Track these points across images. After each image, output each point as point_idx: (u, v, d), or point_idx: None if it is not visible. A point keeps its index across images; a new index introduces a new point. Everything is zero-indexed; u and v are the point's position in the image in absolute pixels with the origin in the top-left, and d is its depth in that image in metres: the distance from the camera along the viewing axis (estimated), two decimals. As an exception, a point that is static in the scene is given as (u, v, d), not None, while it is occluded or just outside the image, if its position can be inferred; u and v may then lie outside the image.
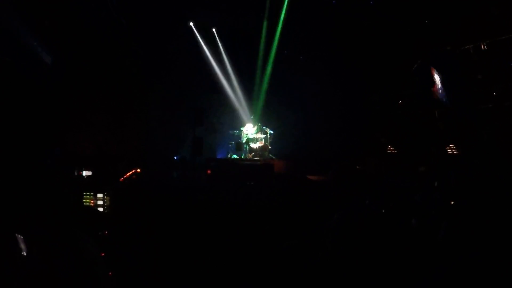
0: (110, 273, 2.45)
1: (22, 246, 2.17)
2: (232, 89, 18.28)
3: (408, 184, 7.06)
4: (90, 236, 2.46)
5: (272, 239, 4.28)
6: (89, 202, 4.83)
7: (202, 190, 10.75)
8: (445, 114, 12.99)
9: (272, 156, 16.65)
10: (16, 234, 2.18)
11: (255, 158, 16.18)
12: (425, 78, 13.23)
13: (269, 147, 16.75)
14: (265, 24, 17.01)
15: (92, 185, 5.10)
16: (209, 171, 13.23)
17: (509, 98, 11.34)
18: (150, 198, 5.56)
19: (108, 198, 4.86)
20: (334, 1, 14.59)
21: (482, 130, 11.50)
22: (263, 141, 16.76)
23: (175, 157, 16.43)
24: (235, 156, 16.71)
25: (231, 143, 17.00)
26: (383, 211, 3.84)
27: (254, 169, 13.83)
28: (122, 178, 8.12)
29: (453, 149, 12.58)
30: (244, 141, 16.75)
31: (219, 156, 17.62)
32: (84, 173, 7.87)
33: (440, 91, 12.90)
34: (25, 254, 2.15)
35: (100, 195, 4.87)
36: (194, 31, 17.06)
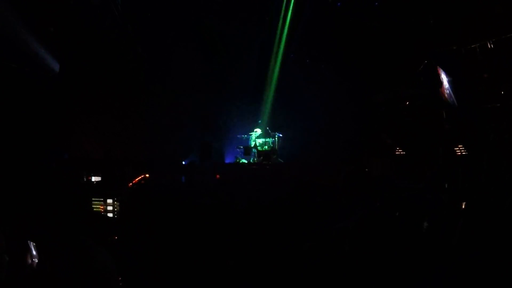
0: (119, 278, 2.45)
1: (33, 252, 2.19)
2: (240, 93, 18.24)
3: (416, 185, 7.03)
4: (99, 242, 2.47)
5: (285, 242, 4.27)
6: (99, 208, 4.84)
7: (211, 194, 10.75)
8: (452, 114, 12.92)
9: (280, 160, 16.62)
10: (27, 241, 2.19)
11: (264, 162, 16.16)
12: (432, 78, 13.18)
13: (277, 151, 16.72)
14: (270, 27, 16.99)
15: (101, 191, 5.11)
16: (218, 176, 13.24)
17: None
18: (159, 203, 5.56)
19: (117, 203, 4.87)
20: (339, 3, 14.57)
21: (489, 129, 11.44)
22: (271, 145, 16.73)
23: (183, 162, 16.45)
24: (243, 160, 16.70)
25: (239, 148, 16.97)
26: (397, 213, 3.84)
27: (263, 173, 13.84)
28: (131, 184, 8.14)
29: (461, 149, 12.52)
30: (252, 145, 16.74)
31: (227, 161, 17.59)
32: (93, 178, 7.89)
33: (447, 91, 12.85)
34: (35, 261, 2.16)
35: (109, 201, 4.88)
36: (200, 34, 17.05)
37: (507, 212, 3.20)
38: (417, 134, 13.68)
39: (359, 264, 2.84)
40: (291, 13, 16.27)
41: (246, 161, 16.55)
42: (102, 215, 4.80)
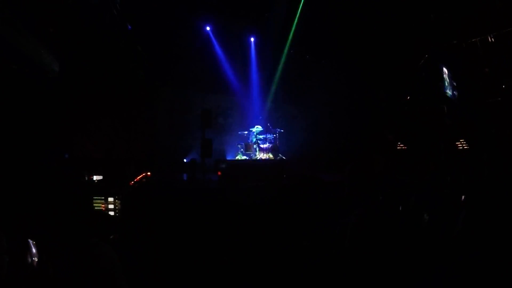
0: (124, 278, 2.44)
1: (34, 252, 2.18)
2: (240, 89, 18.26)
3: (418, 180, 7.02)
4: (105, 241, 2.46)
5: (285, 239, 4.27)
6: (100, 207, 4.84)
7: (213, 192, 10.76)
8: (453, 109, 12.91)
9: (282, 156, 16.63)
10: (28, 240, 2.18)
11: (265, 158, 16.17)
12: (433, 73, 13.16)
13: (278, 147, 16.72)
14: (273, 23, 16.98)
15: (103, 189, 5.11)
16: (219, 173, 13.23)
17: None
18: (160, 201, 5.55)
19: (118, 202, 4.87)
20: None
21: (490, 124, 11.42)
22: (272, 141, 16.74)
23: (184, 160, 16.45)
24: (244, 157, 16.70)
25: (240, 144, 16.97)
26: (400, 208, 3.83)
27: (264, 169, 13.83)
28: (132, 182, 8.13)
29: (463, 144, 12.50)
30: (253, 142, 16.74)
31: (228, 158, 17.59)
32: (95, 177, 7.88)
33: (448, 86, 12.83)
34: (36, 260, 2.15)
35: (111, 199, 4.88)
36: (201, 33, 17.06)
37: (509, 207, 3.19)
38: (418, 129, 13.66)
39: (359, 261, 2.83)
40: (296, 9, 16.27)
41: (247, 158, 16.55)
42: (103, 213, 4.79)
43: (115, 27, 13.66)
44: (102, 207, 4.85)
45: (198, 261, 4.07)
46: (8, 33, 9.82)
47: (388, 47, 14.00)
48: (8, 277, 1.95)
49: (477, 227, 2.96)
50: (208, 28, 17.11)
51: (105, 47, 13.77)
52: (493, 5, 11.15)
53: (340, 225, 3.22)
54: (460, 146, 12.55)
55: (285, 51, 17.57)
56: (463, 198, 4.07)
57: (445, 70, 12.92)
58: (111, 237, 3.89)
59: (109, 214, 4.85)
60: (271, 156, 16.31)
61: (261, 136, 16.73)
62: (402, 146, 14.55)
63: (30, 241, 2.19)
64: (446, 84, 12.91)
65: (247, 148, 16.66)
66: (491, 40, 11.72)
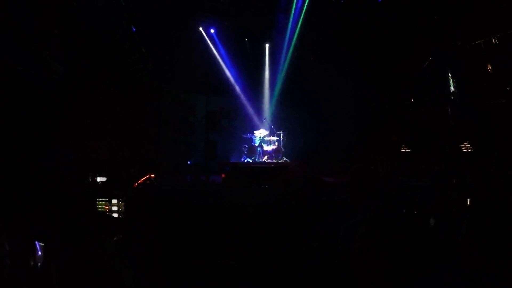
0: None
1: (38, 253, 2.17)
2: (244, 92, 18.28)
3: (422, 182, 7.01)
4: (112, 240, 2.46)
5: (291, 242, 4.26)
6: (104, 208, 4.83)
7: (216, 194, 10.76)
8: (457, 110, 12.87)
9: (286, 159, 16.62)
10: (33, 242, 2.18)
11: (269, 161, 16.17)
12: (437, 74, 13.15)
13: (282, 150, 16.71)
14: (275, 27, 17.00)
15: (106, 191, 5.10)
16: (223, 175, 13.25)
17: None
18: (164, 203, 5.55)
19: (122, 204, 4.86)
20: (342, 0, 14.52)
21: (494, 125, 11.39)
22: (276, 143, 16.73)
23: (188, 162, 16.47)
24: (248, 159, 16.69)
25: (244, 147, 16.97)
26: (404, 211, 3.82)
27: (268, 172, 13.83)
28: (136, 184, 8.14)
29: (467, 146, 12.46)
30: (257, 144, 16.73)
31: (232, 160, 17.59)
32: (99, 179, 7.89)
33: (452, 87, 12.81)
34: (39, 262, 2.15)
35: (114, 201, 4.87)
36: (204, 35, 17.09)
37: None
38: (423, 131, 13.63)
39: (366, 264, 2.82)
40: (300, 12, 16.28)
41: (251, 160, 16.54)
42: (107, 215, 4.79)
43: (119, 29, 13.69)
44: (106, 208, 4.85)
45: (202, 263, 4.07)
46: (13, 35, 9.85)
47: (392, 48, 13.98)
48: (10, 280, 1.95)
49: (482, 230, 2.95)
50: (212, 31, 17.13)
51: (109, 49, 13.79)
52: (497, 7, 11.12)
53: (345, 228, 3.21)
54: (464, 149, 12.51)
55: (289, 53, 17.57)
56: (468, 200, 4.06)
57: (449, 71, 12.90)
58: (115, 238, 3.89)
59: (113, 216, 4.85)
60: (275, 158, 16.31)
61: (265, 139, 16.74)
62: (406, 149, 14.52)
63: (37, 243, 2.19)
64: (450, 85, 12.89)
65: (251, 151, 16.66)
66: (495, 41, 11.69)
